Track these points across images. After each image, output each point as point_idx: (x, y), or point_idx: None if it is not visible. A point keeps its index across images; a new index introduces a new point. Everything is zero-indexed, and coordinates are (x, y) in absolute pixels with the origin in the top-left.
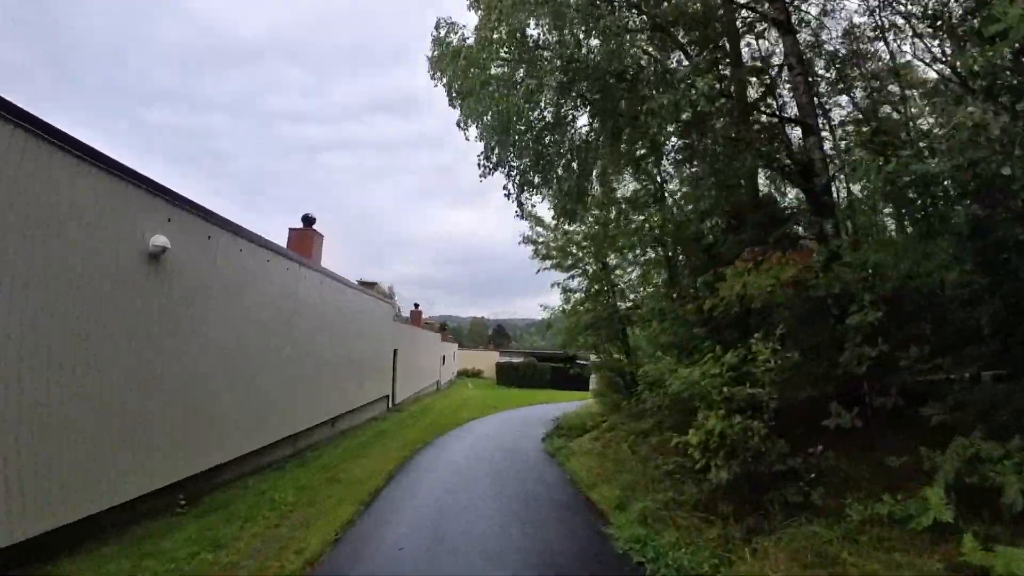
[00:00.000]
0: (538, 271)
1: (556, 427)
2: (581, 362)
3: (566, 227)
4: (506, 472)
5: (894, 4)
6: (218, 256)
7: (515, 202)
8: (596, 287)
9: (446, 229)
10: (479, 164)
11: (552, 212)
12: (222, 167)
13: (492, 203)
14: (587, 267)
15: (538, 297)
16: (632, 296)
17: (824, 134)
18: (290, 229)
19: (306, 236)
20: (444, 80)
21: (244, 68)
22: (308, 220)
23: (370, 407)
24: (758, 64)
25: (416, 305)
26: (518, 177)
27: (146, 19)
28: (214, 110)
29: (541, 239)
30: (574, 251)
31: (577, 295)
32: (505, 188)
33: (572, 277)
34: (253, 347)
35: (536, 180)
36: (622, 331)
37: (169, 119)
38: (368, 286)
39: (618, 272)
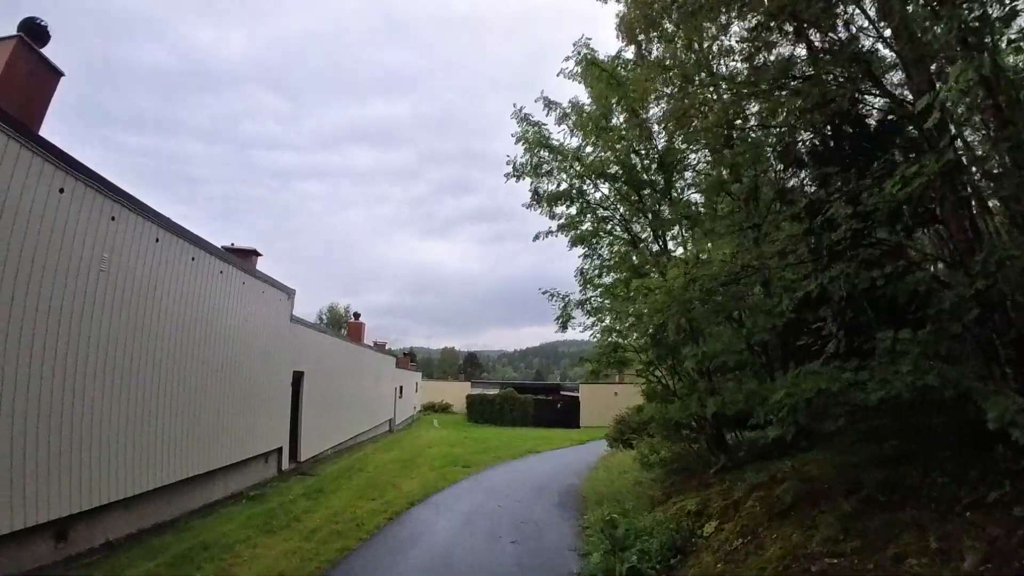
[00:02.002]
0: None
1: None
2: (568, 393)
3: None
4: None
5: None
6: None
7: None
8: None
9: (417, 259)
10: None
11: None
12: (196, 191)
13: (463, 235)
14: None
15: (510, 328)
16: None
17: None
18: None
19: None
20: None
21: (221, 93)
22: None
23: (239, 471)
24: None
25: (357, 315)
26: None
27: (129, 42)
28: (189, 134)
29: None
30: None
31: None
32: None
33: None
34: None
35: None
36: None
37: (144, 143)
38: (241, 256)
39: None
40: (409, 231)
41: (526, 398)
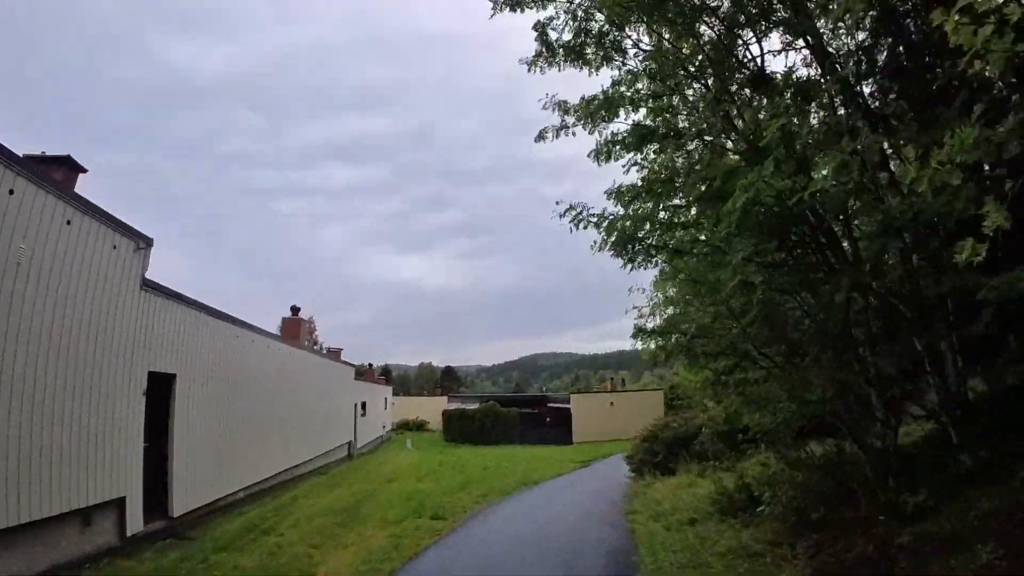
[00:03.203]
0: None
1: None
2: (557, 405)
3: None
4: None
5: None
6: None
7: None
8: None
9: (396, 275)
10: None
11: None
12: (172, 209)
13: (442, 250)
14: None
15: (490, 343)
16: None
17: None
18: None
19: None
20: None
21: (198, 110)
22: None
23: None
24: None
25: (295, 309)
26: None
27: (106, 58)
28: (166, 151)
29: None
30: None
31: None
32: None
33: None
34: None
35: None
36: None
37: (120, 159)
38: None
39: None
40: (388, 247)
41: (511, 412)
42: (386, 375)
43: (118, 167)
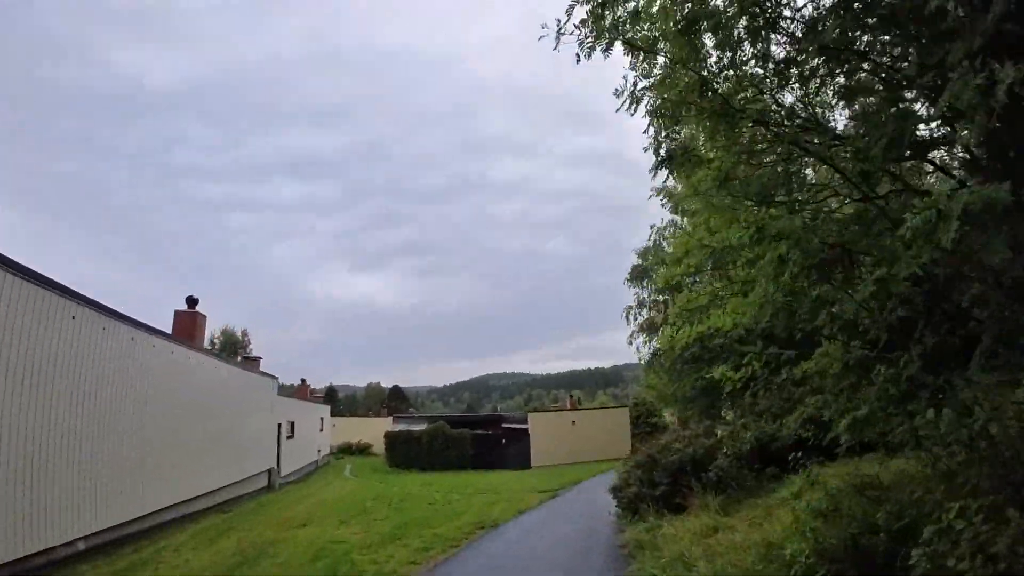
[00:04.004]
0: None
1: None
2: (512, 425)
3: None
4: None
5: None
6: None
7: None
8: None
9: (346, 294)
10: None
11: None
12: (120, 221)
13: (393, 269)
14: None
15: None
16: None
17: None
18: None
19: None
20: None
21: (148, 119)
22: None
23: None
24: None
25: (193, 301)
26: None
27: (51, 63)
28: (115, 162)
29: None
30: None
31: None
32: None
33: None
34: None
35: None
36: None
37: (66, 168)
38: None
39: None
40: (338, 265)
41: (462, 434)
42: (331, 395)
43: (63, 174)
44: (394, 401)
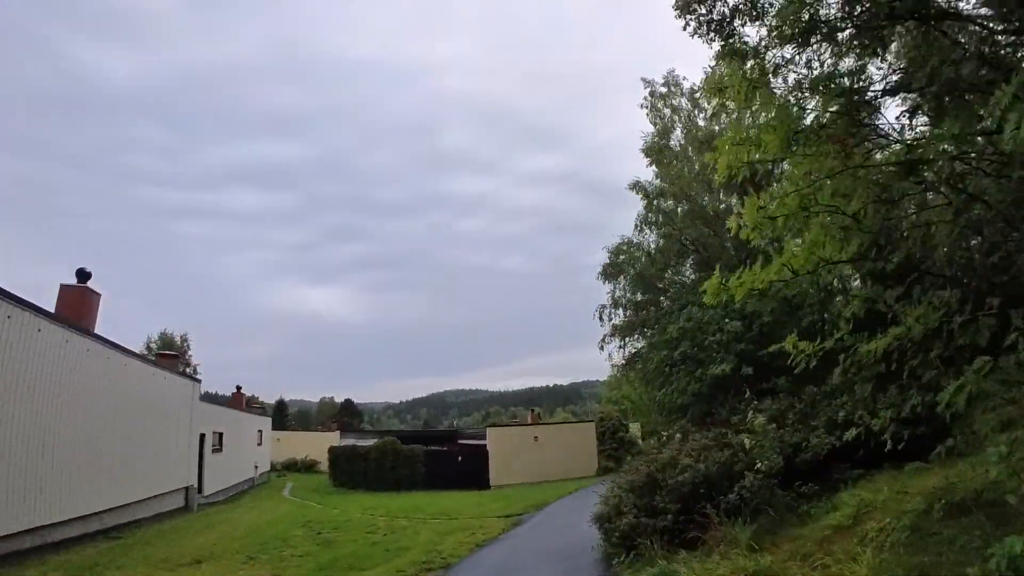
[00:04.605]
0: None
1: None
2: (469, 441)
3: None
4: None
5: None
6: None
7: None
8: None
9: (303, 308)
10: None
11: None
12: (67, 225)
13: (351, 283)
14: None
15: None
16: None
17: None
18: None
19: None
20: None
21: (102, 120)
22: None
23: None
24: None
25: (84, 275)
26: None
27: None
28: (65, 162)
29: None
30: None
31: None
32: None
33: None
34: None
35: None
36: None
37: (10, 167)
38: None
39: None
40: (294, 277)
41: (414, 450)
42: (280, 409)
43: (5, 174)
44: (346, 416)
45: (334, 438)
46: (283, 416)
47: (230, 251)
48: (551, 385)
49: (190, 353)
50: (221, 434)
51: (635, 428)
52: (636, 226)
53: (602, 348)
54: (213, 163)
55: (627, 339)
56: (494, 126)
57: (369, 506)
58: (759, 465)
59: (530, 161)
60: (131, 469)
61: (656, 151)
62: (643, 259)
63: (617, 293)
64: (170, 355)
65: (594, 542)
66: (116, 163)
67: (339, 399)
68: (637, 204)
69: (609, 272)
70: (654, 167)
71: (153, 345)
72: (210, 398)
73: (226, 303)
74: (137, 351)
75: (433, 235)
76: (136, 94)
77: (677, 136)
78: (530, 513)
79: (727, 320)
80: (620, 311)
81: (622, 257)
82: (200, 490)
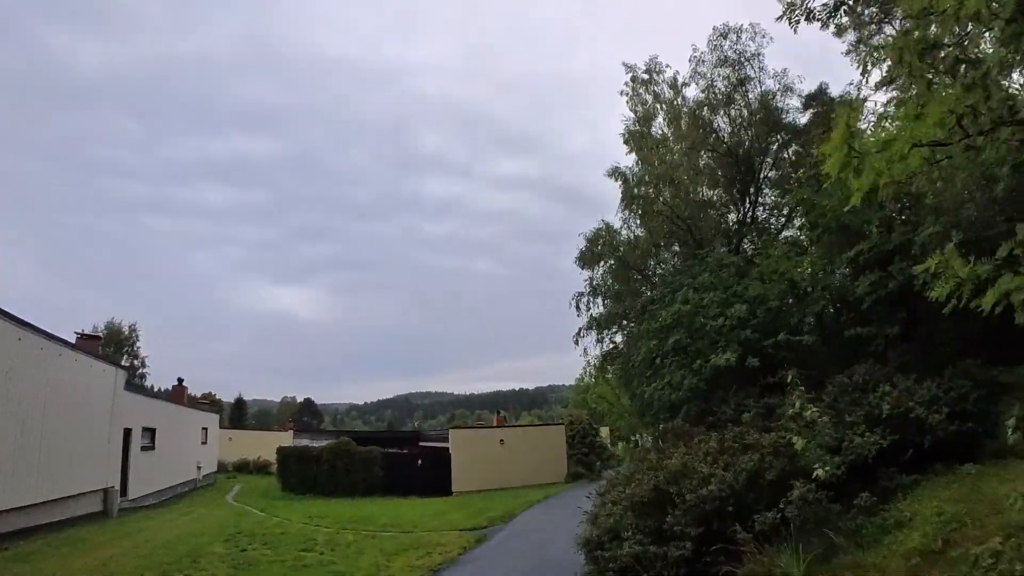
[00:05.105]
0: None
1: None
2: (431, 444)
3: None
4: None
5: None
6: None
7: None
8: None
9: (269, 307)
10: None
11: None
12: (29, 216)
13: (319, 283)
14: None
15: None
16: None
17: None
18: None
19: None
20: None
21: (72, 109)
22: None
23: None
24: None
25: None
26: None
27: None
28: (28, 152)
29: None
30: None
31: None
32: None
33: None
34: None
35: None
36: None
37: None
38: None
39: None
40: (262, 276)
41: (370, 452)
42: (239, 407)
43: None
44: (306, 415)
45: (287, 438)
46: (242, 415)
47: (197, 247)
48: (517, 389)
49: (138, 344)
50: (154, 430)
51: (604, 432)
52: (617, 212)
53: (577, 342)
54: (182, 157)
55: (606, 332)
56: (467, 130)
57: (315, 514)
58: (817, 471)
59: (502, 166)
60: (28, 464)
61: (637, 137)
62: (624, 246)
63: (596, 280)
64: (91, 336)
65: (578, 569)
66: (85, 154)
67: (301, 399)
68: (607, 212)
69: (587, 257)
70: (634, 154)
71: (99, 334)
72: (159, 395)
73: (192, 300)
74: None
75: (403, 237)
76: (106, 83)
77: (659, 123)
78: (496, 526)
79: (733, 303)
80: (600, 300)
81: (601, 243)
82: (124, 492)
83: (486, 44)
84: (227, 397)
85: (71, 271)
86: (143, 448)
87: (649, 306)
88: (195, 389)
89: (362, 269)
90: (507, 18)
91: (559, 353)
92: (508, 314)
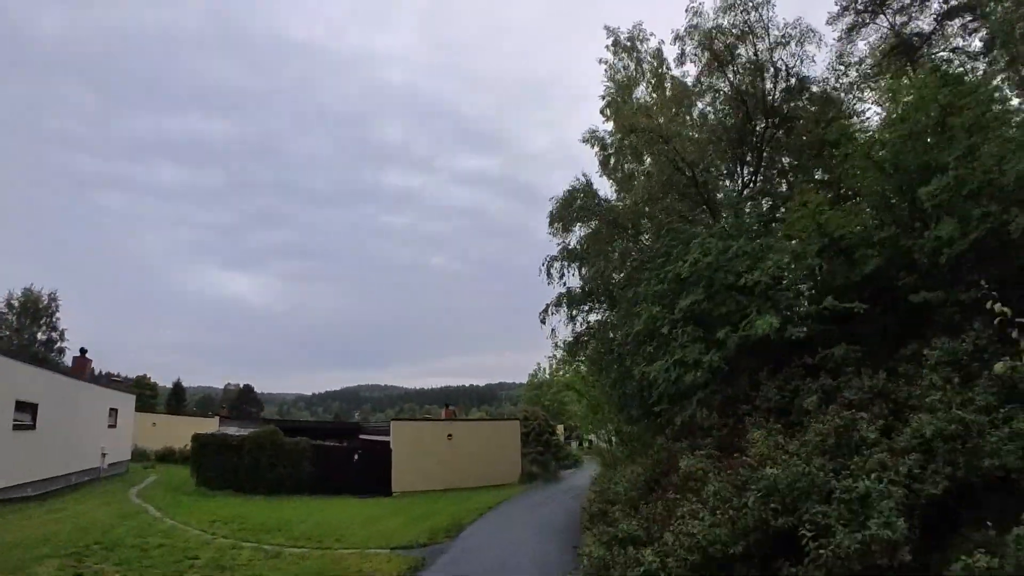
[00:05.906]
0: None
1: None
2: (372, 437)
3: None
4: None
5: None
6: None
7: None
8: None
9: (217, 292)
10: None
11: None
12: None
13: (269, 270)
14: None
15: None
16: None
17: None
18: None
19: None
20: None
21: (20, 75)
22: None
23: None
24: None
25: None
26: None
27: None
28: None
29: None
30: None
31: None
32: None
33: None
34: None
35: None
36: None
37: None
38: None
39: None
40: (213, 260)
41: (299, 444)
42: (177, 393)
43: None
44: (244, 403)
45: (212, 424)
46: (180, 401)
47: (147, 226)
48: (467, 385)
49: (57, 315)
50: (35, 406)
51: (560, 430)
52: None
53: (544, 321)
54: (136, 133)
55: (578, 310)
56: (429, 123)
57: (222, 518)
58: None
59: (463, 162)
60: None
61: (618, 104)
62: (606, 205)
63: (572, 244)
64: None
65: None
66: (33, 123)
67: (239, 383)
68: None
69: (563, 218)
70: (612, 123)
71: (15, 303)
72: (110, 380)
73: (138, 280)
74: None
75: (359, 227)
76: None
77: (641, 90)
78: (439, 543)
79: (765, 256)
80: (576, 267)
81: (579, 201)
82: None
83: (455, 38)
84: (166, 381)
85: (6, 241)
86: (16, 426)
87: (648, 264)
88: (133, 372)
89: (315, 258)
90: (476, 15)
91: (511, 350)
92: (461, 310)
